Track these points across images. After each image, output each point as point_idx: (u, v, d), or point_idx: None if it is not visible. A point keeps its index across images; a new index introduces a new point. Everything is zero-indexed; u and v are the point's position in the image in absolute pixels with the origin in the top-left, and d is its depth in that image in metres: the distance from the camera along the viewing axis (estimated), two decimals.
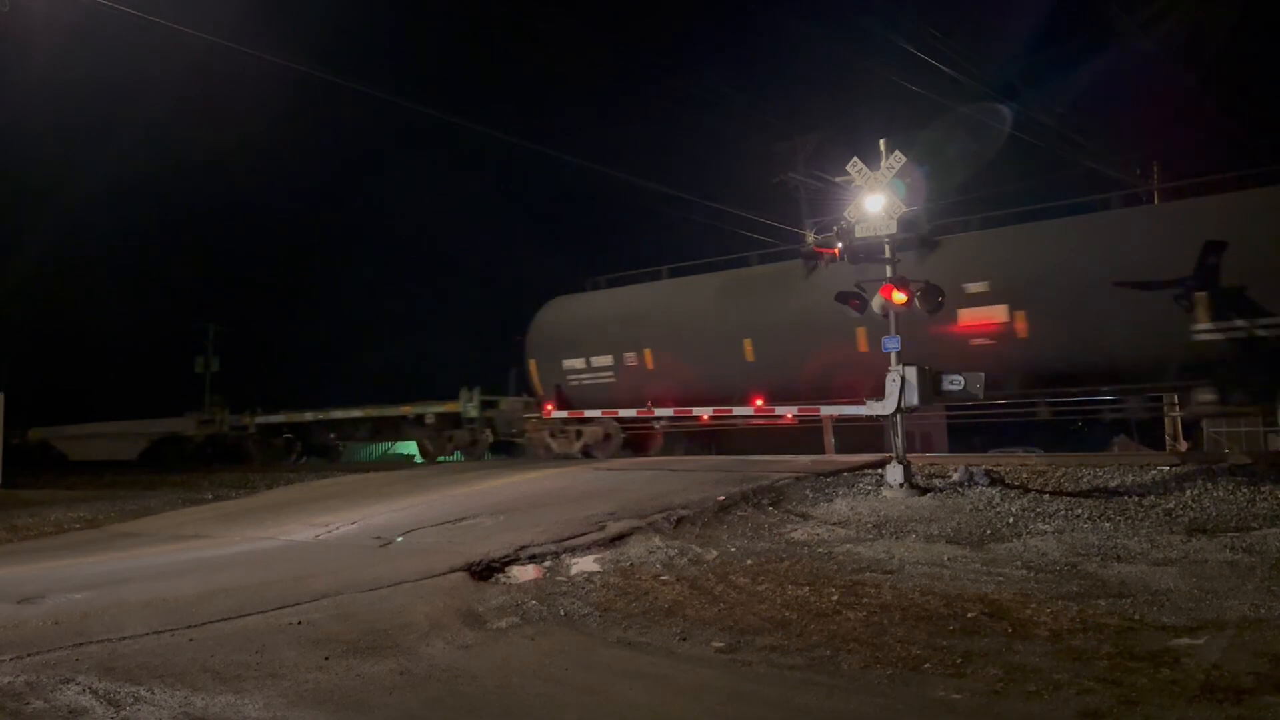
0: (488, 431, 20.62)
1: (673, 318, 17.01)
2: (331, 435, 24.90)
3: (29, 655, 4.94)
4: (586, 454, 17.69)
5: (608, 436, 17.68)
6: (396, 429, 23.23)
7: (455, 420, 21.03)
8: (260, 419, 25.65)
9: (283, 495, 14.07)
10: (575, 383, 18.07)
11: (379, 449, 27.06)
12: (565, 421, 17.91)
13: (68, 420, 32.01)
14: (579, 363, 17.92)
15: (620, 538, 8.17)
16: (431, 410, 21.49)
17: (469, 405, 20.52)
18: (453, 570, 6.91)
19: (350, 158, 70.04)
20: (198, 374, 37.67)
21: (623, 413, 16.87)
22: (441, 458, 21.60)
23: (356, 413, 23.37)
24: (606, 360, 17.54)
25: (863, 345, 13.94)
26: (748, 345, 15.68)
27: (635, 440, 18.13)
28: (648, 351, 17.01)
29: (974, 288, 13.28)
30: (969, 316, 13.30)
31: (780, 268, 16.36)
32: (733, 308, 16.24)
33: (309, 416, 24.45)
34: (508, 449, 20.97)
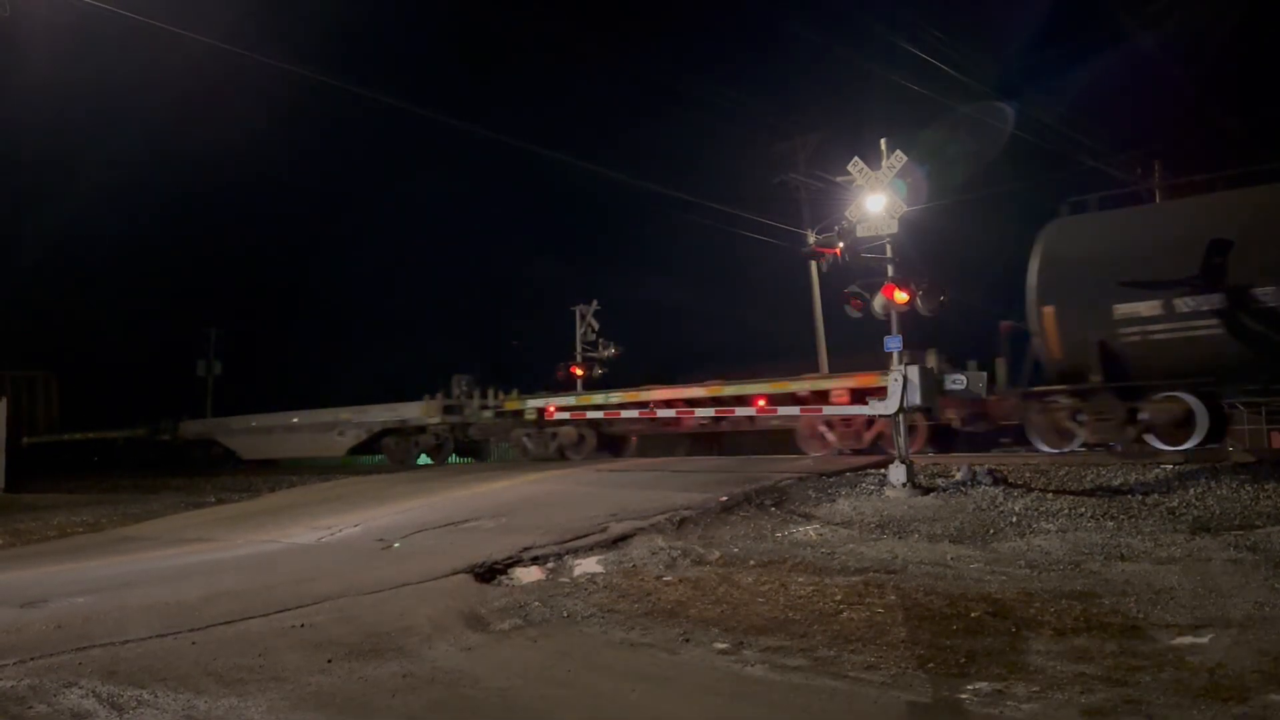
0: (918, 416, 13.54)
1: None
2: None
3: (32, 659, 4.95)
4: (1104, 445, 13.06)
5: (1136, 417, 12.62)
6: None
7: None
8: (533, 401, 19.66)
9: (284, 498, 14.10)
10: (1137, 337, 12.48)
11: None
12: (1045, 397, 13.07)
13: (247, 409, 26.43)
14: (1150, 308, 12.28)
15: (623, 539, 8.17)
16: (822, 386, 15.25)
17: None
18: (455, 572, 6.91)
19: (350, 158, 70.15)
20: (199, 377, 37.83)
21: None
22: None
23: (698, 391, 16.91)
24: (1210, 301, 12.00)
25: None
26: None
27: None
28: None
29: None
30: None
31: None
32: None
33: (616, 399, 18.34)
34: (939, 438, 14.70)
